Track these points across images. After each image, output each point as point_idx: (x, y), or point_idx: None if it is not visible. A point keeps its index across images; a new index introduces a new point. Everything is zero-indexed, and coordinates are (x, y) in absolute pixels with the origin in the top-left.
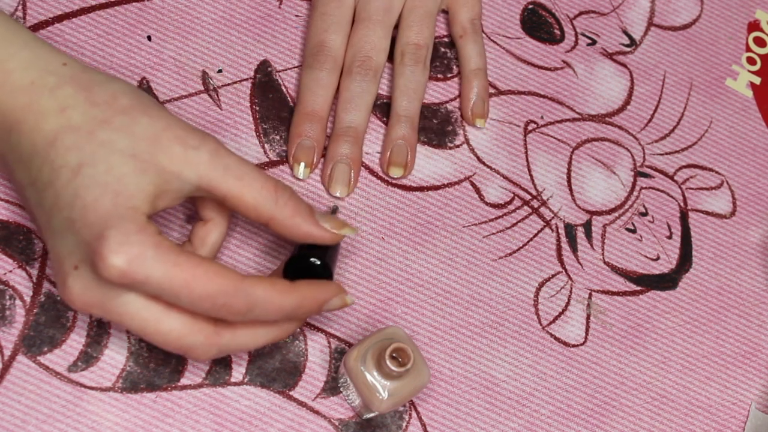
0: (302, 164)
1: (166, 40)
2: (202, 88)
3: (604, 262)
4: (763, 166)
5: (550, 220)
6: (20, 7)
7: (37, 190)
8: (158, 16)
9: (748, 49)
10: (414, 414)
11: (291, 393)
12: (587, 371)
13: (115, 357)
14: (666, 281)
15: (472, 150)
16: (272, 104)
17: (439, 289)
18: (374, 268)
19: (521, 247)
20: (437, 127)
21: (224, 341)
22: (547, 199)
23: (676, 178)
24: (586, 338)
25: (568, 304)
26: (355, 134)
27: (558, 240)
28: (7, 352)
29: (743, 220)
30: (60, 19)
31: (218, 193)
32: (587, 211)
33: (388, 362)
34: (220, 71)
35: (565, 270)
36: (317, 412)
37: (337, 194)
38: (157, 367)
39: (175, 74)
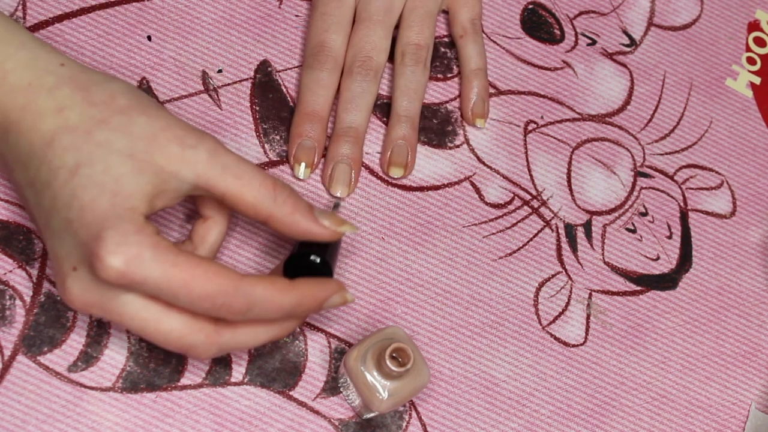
0: (303, 164)
1: (166, 40)
2: (202, 88)
3: (604, 262)
4: (763, 166)
5: (550, 220)
6: (20, 7)
7: (35, 191)
8: (158, 16)
9: (748, 49)
10: (414, 414)
11: (291, 393)
12: (587, 371)
13: (115, 357)
14: (666, 281)
15: (472, 150)
16: (272, 104)
17: (439, 289)
18: (374, 268)
19: (521, 247)
20: (437, 127)
21: (225, 340)
22: (547, 199)
23: (676, 178)
24: (586, 338)
25: (568, 304)
26: (355, 134)
27: (558, 240)
28: (7, 352)
29: (743, 220)
30: (60, 19)
31: (217, 192)
32: (587, 211)
33: (388, 362)
34: (220, 71)
35: (565, 270)
36: (317, 412)
37: (338, 194)
38: (157, 367)
39: (175, 74)
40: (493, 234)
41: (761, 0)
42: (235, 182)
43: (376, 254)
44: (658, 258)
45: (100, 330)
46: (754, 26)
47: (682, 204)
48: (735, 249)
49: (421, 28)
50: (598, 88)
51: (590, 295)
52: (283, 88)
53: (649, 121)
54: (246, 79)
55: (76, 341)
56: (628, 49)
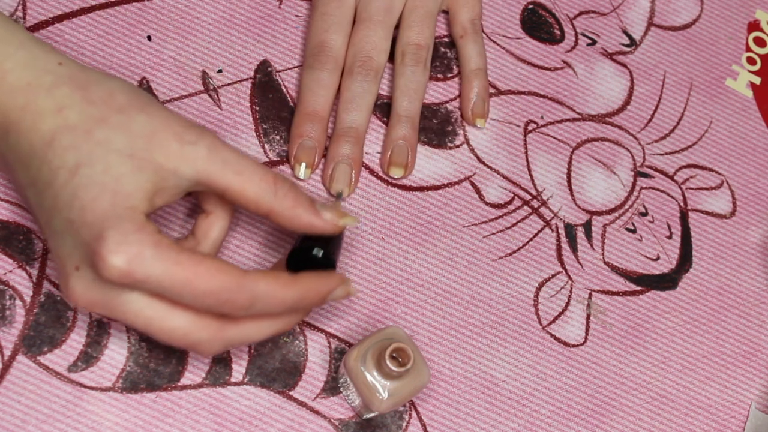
0: (303, 164)
1: (166, 40)
2: (202, 88)
3: (604, 262)
4: (763, 166)
5: (550, 220)
6: (20, 7)
7: (36, 191)
8: (158, 16)
9: (748, 49)
10: (414, 414)
11: (291, 393)
12: (587, 371)
13: (115, 357)
14: (666, 281)
15: (472, 150)
16: (272, 104)
17: (439, 289)
18: (374, 268)
19: (521, 247)
20: (437, 127)
21: (229, 336)
22: (547, 199)
23: (676, 178)
24: (586, 338)
25: (568, 304)
26: (356, 134)
27: (558, 240)
28: (7, 352)
29: (743, 220)
30: (60, 19)
31: (217, 188)
32: (587, 211)
33: (388, 362)
34: (220, 71)
35: (565, 270)
36: (317, 412)
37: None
38: (157, 367)
39: (175, 74)
40: (493, 234)
41: (761, 0)
42: (236, 177)
43: (376, 254)
44: (658, 258)
45: (100, 330)
46: (754, 26)
47: (682, 204)
48: (735, 249)
49: (422, 28)
50: (598, 88)
51: (590, 295)
52: (283, 88)
53: (649, 121)
54: (246, 79)
55: (76, 341)
56: (628, 49)
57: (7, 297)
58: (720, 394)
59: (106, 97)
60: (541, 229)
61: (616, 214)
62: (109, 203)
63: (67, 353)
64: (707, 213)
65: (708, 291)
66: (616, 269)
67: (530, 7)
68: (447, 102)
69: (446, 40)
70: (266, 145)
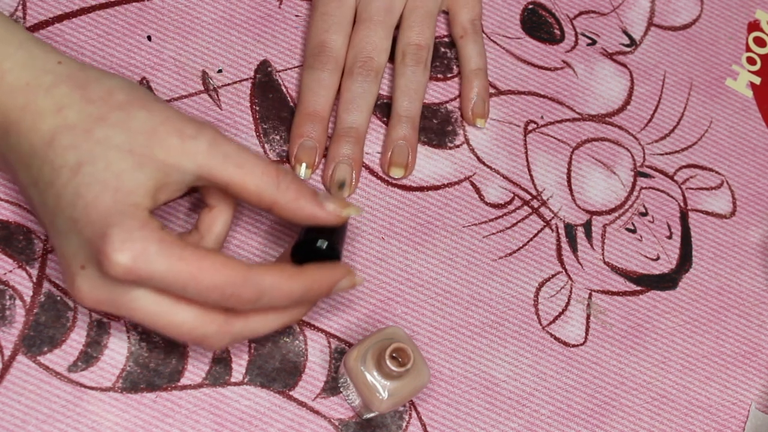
0: (304, 165)
1: (166, 40)
2: (202, 88)
3: (604, 262)
4: (763, 166)
5: (550, 220)
6: (20, 7)
7: (39, 191)
8: (158, 16)
9: (748, 49)
10: (414, 414)
11: (291, 393)
12: (587, 371)
13: (115, 357)
14: (666, 281)
15: (472, 150)
16: (272, 104)
17: (439, 289)
18: (374, 268)
19: (521, 247)
20: (437, 127)
21: (236, 329)
22: (547, 199)
23: (676, 178)
24: (586, 338)
25: (568, 304)
26: (356, 135)
27: (558, 240)
28: (7, 352)
29: (743, 220)
30: (60, 19)
31: (219, 182)
32: (587, 211)
33: (388, 362)
34: (220, 71)
35: (565, 270)
36: (317, 412)
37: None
38: (157, 367)
39: (175, 74)
40: (493, 234)
41: (761, 0)
42: (238, 171)
43: (376, 254)
44: (658, 258)
45: (100, 330)
46: (754, 26)
47: (682, 204)
48: (735, 249)
49: (422, 29)
50: (598, 88)
51: (590, 295)
52: (283, 88)
53: (649, 121)
54: (246, 79)
55: (76, 341)
56: (628, 49)
57: (7, 297)
58: (720, 394)
59: (106, 95)
60: (541, 229)
61: (616, 214)
62: (112, 201)
63: (67, 353)
64: (707, 213)
65: (708, 291)
66: (616, 269)
67: (530, 7)
68: (447, 102)
69: (446, 40)
70: (266, 145)
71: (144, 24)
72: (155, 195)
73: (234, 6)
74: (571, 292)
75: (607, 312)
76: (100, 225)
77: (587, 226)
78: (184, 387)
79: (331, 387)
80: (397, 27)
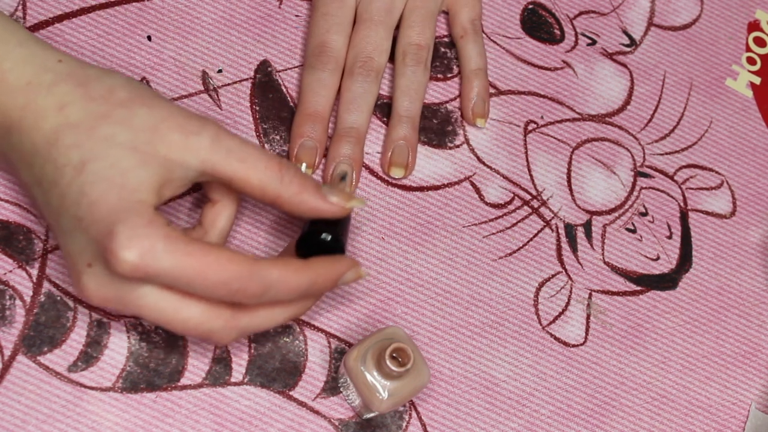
0: (304, 165)
1: (166, 40)
2: (202, 88)
3: (604, 262)
4: (763, 166)
5: (550, 220)
6: (20, 7)
7: (43, 190)
8: (158, 16)
9: (748, 49)
10: (414, 414)
11: (291, 393)
12: (587, 371)
13: (115, 357)
14: (666, 281)
15: (472, 150)
16: (272, 104)
17: (439, 289)
18: (374, 268)
19: (521, 247)
20: (437, 127)
21: (243, 324)
22: (547, 199)
23: (676, 178)
24: (586, 338)
25: (568, 304)
26: (357, 135)
27: (558, 240)
28: (7, 352)
29: (743, 220)
30: (60, 19)
31: (223, 177)
32: (587, 211)
33: (388, 362)
34: (220, 71)
35: (565, 270)
36: (317, 412)
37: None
38: (157, 367)
39: (175, 74)
40: (493, 234)
41: (761, 0)
42: (241, 165)
43: (376, 254)
44: (658, 258)
45: (100, 330)
46: (754, 26)
47: (682, 204)
48: (735, 249)
49: (422, 29)
50: (598, 88)
51: (590, 295)
52: (283, 88)
53: (649, 121)
54: (246, 79)
55: (76, 341)
56: (628, 49)
57: (7, 297)
58: (720, 394)
59: (107, 92)
60: (541, 229)
61: (616, 214)
62: (117, 198)
63: (67, 353)
64: (707, 213)
65: (708, 291)
66: (616, 269)
67: (530, 7)
68: (447, 102)
69: (446, 40)
70: (266, 145)
71: (144, 24)
72: (160, 191)
73: (234, 6)
74: (571, 292)
75: (607, 312)
76: (106, 223)
77: (587, 226)
78: (184, 387)
79: (331, 387)
80: (397, 27)
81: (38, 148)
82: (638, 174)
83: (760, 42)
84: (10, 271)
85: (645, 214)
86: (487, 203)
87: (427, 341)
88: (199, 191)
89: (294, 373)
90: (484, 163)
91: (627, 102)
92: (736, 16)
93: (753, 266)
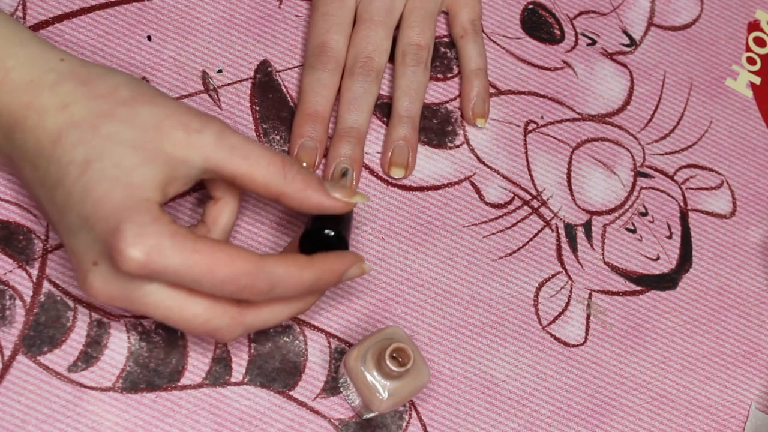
0: (304, 165)
1: (166, 40)
2: (202, 88)
3: (604, 262)
4: (763, 166)
5: (550, 220)
6: (20, 7)
7: (46, 189)
8: (158, 16)
9: (748, 49)
10: (414, 414)
11: (291, 393)
12: (587, 371)
13: (115, 357)
14: (666, 281)
15: (472, 150)
16: (272, 104)
17: (439, 289)
18: (374, 268)
19: (521, 247)
20: (437, 127)
21: (248, 320)
22: (547, 199)
23: (676, 178)
24: (586, 338)
25: (568, 304)
26: (357, 135)
27: (558, 240)
28: (7, 352)
29: (743, 220)
30: (60, 19)
31: (226, 174)
32: (587, 211)
33: (388, 362)
34: (220, 71)
35: (565, 270)
36: (317, 412)
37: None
38: (157, 367)
39: (175, 74)
40: (493, 234)
41: (761, 0)
42: (244, 162)
43: (376, 254)
44: (658, 258)
45: (100, 330)
46: (754, 26)
47: (682, 204)
48: (735, 249)
49: (422, 29)
50: (598, 88)
51: (590, 295)
52: (283, 88)
53: (649, 121)
54: (246, 79)
55: (76, 341)
56: (628, 49)
57: (7, 297)
58: (720, 394)
59: (110, 91)
60: (541, 229)
61: (616, 214)
62: (123, 196)
63: (67, 353)
64: (707, 213)
65: (708, 291)
66: (616, 269)
67: (530, 7)
68: (447, 102)
69: (446, 40)
70: (266, 145)
71: (144, 24)
72: (164, 189)
73: (234, 6)
74: (571, 292)
75: (607, 312)
76: (111, 221)
77: (587, 226)
78: (184, 387)
79: (331, 387)
80: (397, 27)
81: (42, 146)
82: (638, 174)
83: (760, 42)
84: (10, 271)
85: (645, 214)
86: (487, 203)
87: (427, 341)
88: (201, 190)
89: (294, 373)
90: (484, 163)
91: (627, 102)
92: (736, 16)
93: (753, 266)
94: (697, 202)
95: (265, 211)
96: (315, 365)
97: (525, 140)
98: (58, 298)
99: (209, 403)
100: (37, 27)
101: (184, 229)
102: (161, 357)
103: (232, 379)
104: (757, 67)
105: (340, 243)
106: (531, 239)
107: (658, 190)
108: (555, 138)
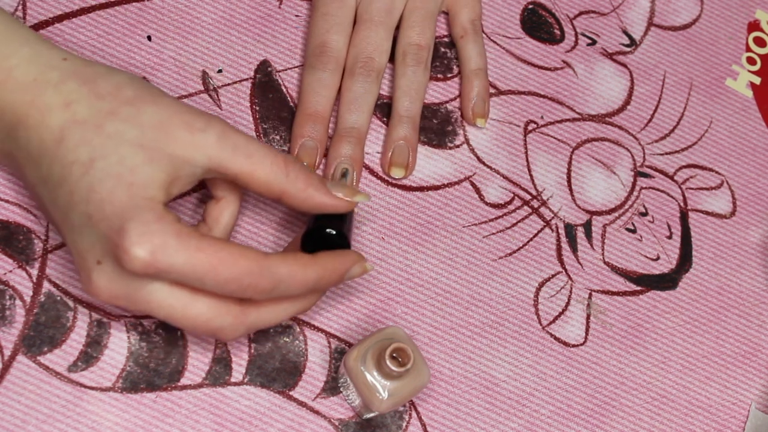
0: (305, 165)
1: (166, 40)
2: (202, 88)
3: (604, 262)
4: (763, 166)
5: (550, 220)
6: (20, 7)
7: (49, 188)
8: (158, 16)
9: (748, 49)
10: (414, 414)
11: (291, 393)
12: (587, 371)
13: (115, 357)
14: (666, 281)
15: (472, 150)
16: (272, 104)
17: (439, 289)
18: (374, 267)
19: (521, 247)
20: (437, 127)
21: (251, 319)
22: (547, 199)
23: (676, 178)
24: (586, 338)
25: (568, 304)
26: (357, 135)
27: (558, 240)
28: (7, 352)
29: (743, 220)
30: (60, 19)
31: (229, 173)
32: (587, 211)
33: (388, 362)
34: (220, 71)
35: (565, 270)
36: (317, 412)
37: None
38: (157, 367)
39: (175, 74)
40: (493, 234)
41: (761, 0)
42: (247, 162)
43: (376, 254)
44: (658, 258)
45: (100, 330)
46: (754, 26)
47: (682, 204)
48: (735, 249)
49: (422, 29)
50: (598, 88)
51: (590, 295)
52: (283, 88)
53: (649, 121)
54: (246, 79)
55: (76, 341)
56: (628, 49)
57: (7, 297)
58: (720, 394)
59: (114, 90)
60: (541, 229)
61: (616, 214)
62: (127, 195)
63: (67, 353)
64: (707, 213)
65: (708, 291)
66: (616, 269)
67: (530, 7)
68: (447, 102)
69: (446, 40)
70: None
71: (144, 24)
72: (168, 188)
73: (234, 6)
74: (571, 292)
75: (607, 312)
76: (116, 220)
77: (587, 226)
78: (184, 387)
79: (331, 387)
80: (398, 27)
81: (45, 145)
82: (638, 174)
83: (760, 42)
84: (10, 271)
85: (645, 214)
86: (487, 203)
87: (427, 341)
88: (202, 189)
89: (294, 373)
90: (484, 163)
91: (627, 102)
92: (736, 16)
93: (753, 266)
94: (697, 202)
95: (266, 210)
96: (315, 365)
97: (525, 140)
98: (58, 298)
99: (209, 403)
100: (37, 27)
101: (188, 227)
102: (161, 357)
103: (232, 379)
104: (757, 67)
105: (342, 242)
106: (531, 239)
107: (658, 190)
108: (555, 138)
